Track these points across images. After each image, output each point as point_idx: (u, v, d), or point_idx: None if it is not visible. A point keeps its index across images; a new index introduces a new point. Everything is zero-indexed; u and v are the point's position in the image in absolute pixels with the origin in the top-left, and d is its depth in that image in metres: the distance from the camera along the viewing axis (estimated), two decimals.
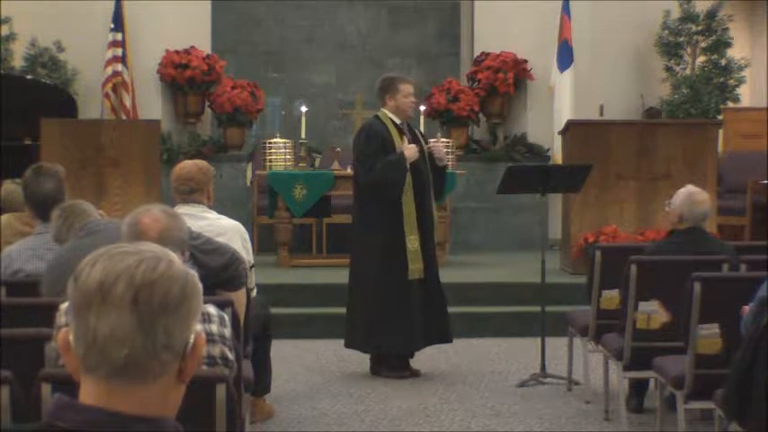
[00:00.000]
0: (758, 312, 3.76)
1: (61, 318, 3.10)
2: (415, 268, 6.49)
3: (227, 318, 3.25)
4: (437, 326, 6.62)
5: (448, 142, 6.67)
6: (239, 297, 4.29)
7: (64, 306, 3.11)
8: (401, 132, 6.60)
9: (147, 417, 1.48)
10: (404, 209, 6.47)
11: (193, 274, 1.56)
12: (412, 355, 6.71)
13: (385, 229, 6.50)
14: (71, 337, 1.50)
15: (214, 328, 3.14)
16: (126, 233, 3.45)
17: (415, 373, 6.62)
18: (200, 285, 1.55)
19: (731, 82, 11.23)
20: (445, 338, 6.72)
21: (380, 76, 6.91)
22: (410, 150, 6.47)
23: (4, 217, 5.42)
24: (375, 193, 6.53)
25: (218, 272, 4.25)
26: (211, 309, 3.19)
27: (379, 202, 6.53)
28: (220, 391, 2.81)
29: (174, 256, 1.55)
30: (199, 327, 1.56)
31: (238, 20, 11.55)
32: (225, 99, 10.53)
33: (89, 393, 1.49)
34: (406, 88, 6.61)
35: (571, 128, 8.95)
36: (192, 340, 1.53)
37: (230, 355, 3.20)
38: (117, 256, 1.50)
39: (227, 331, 3.21)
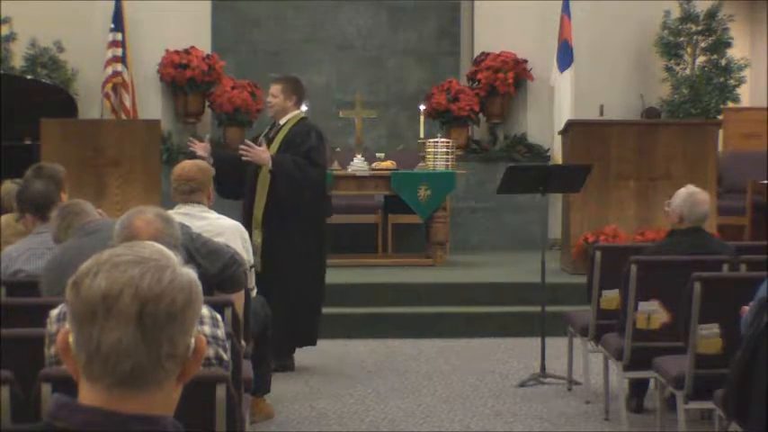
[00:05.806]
0: (758, 312, 3.76)
1: (52, 325, 3.09)
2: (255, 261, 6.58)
3: (219, 318, 3.24)
4: (288, 324, 6.37)
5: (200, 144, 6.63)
6: (238, 299, 4.29)
7: (54, 313, 3.10)
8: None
9: (147, 416, 1.48)
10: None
11: (195, 276, 1.54)
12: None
13: None
14: (71, 340, 1.50)
15: (207, 329, 3.13)
16: (118, 234, 3.45)
17: (288, 368, 6.54)
18: (200, 288, 1.54)
19: (731, 82, 11.21)
20: (292, 340, 6.54)
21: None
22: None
23: (4, 217, 5.42)
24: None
25: (216, 274, 4.26)
26: (204, 310, 3.18)
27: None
28: (220, 391, 2.81)
29: (177, 260, 1.53)
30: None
31: (238, 20, 11.53)
32: (225, 99, 10.53)
33: (90, 399, 1.48)
34: None
35: (571, 128, 8.95)
36: (192, 343, 1.53)
37: (225, 356, 3.20)
38: (120, 266, 1.47)
39: (220, 332, 3.20)
